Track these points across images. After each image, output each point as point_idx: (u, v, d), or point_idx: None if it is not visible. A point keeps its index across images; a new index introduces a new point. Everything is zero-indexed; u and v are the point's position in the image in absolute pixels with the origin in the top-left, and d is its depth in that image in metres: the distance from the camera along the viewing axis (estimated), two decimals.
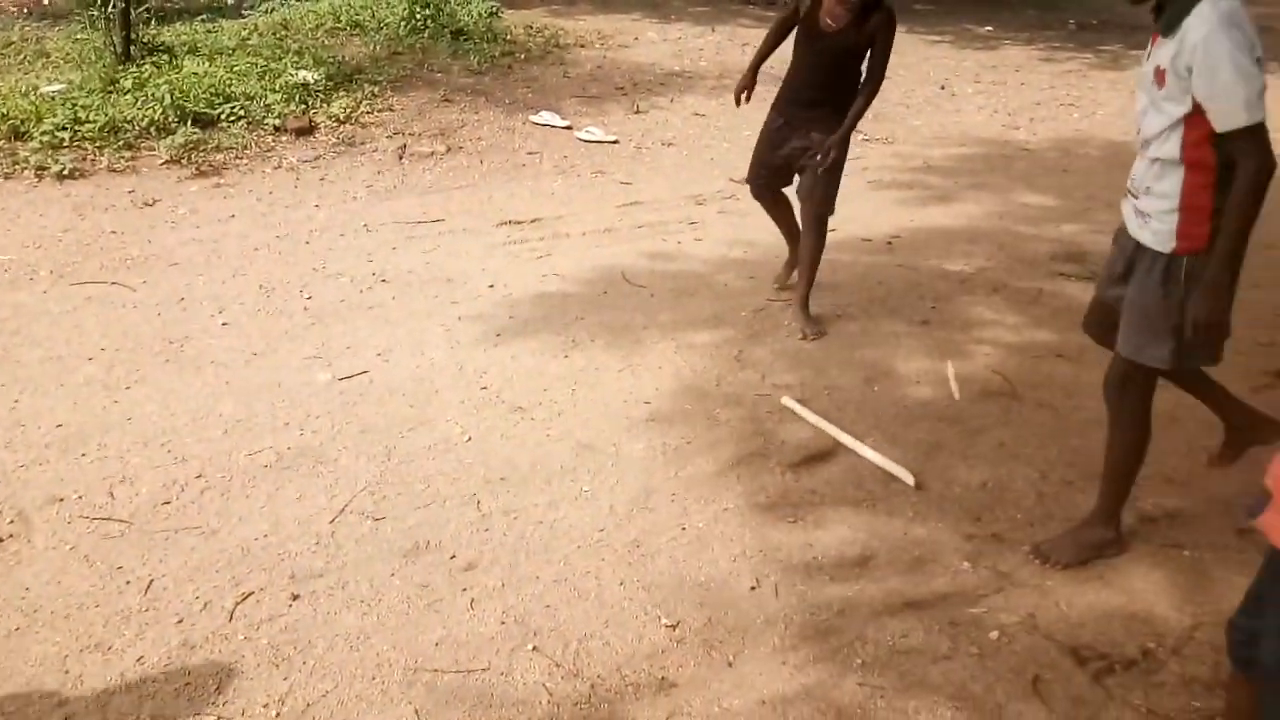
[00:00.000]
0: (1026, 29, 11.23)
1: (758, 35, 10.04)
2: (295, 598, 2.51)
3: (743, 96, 4.21)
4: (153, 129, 5.95)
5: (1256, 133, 2.19)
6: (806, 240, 4.07)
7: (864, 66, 3.87)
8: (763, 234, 5.08)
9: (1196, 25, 2.18)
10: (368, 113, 6.55)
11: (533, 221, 5.22)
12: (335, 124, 6.35)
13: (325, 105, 6.56)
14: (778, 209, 4.32)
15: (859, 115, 3.89)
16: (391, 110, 6.64)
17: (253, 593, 2.53)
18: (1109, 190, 5.88)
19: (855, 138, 7.11)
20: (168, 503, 2.88)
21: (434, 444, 3.19)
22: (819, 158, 3.88)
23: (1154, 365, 2.52)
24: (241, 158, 5.92)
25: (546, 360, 3.75)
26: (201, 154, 5.85)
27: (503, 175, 5.91)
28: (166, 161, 5.73)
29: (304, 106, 6.51)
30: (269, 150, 6.03)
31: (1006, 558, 2.70)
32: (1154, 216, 2.42)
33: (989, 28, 11.16)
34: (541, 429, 3.29)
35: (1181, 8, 2.22)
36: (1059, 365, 3.77)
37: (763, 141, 4.16)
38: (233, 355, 3.73)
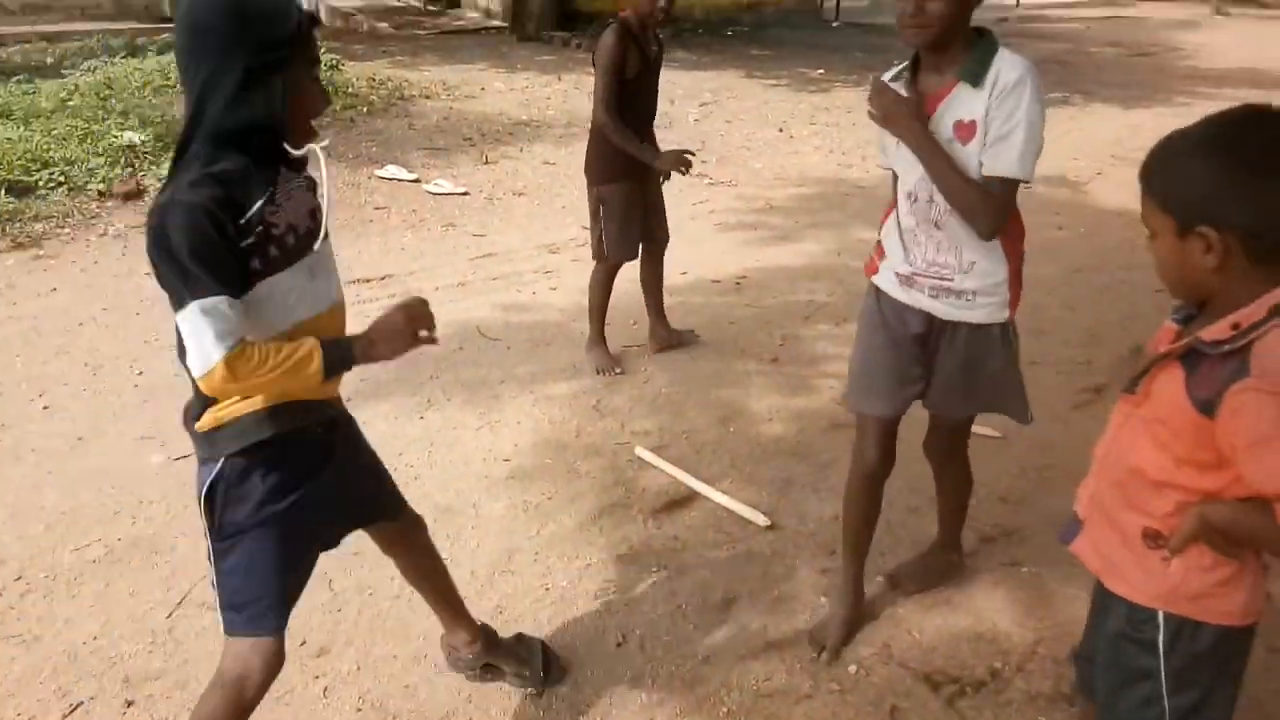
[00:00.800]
0: (854, 71, 11.87)
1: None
2: (129, 704, 2.34)
3: None
4: None
5: (1011, 192, 2.08)
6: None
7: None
8: (616, 280, 5.15)
9: (1009, 71, 2.04)
10: None
11: (382, 279, 5.11)
12: None
13: (154, 167, 6.26)
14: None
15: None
16: None
17: (82, 703, 2.35)
18: None
19: (700, 181, 7.38)
20: None
21: None
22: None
23: (1020, 420, 2.46)
24: (63, 226, 5.58)
25: (402, 423, 3.66)
26: (18, 225, 5.47)
27: (349, 232, 5.77)
28: None
29: (130, 169, 6.20)
30: (93, 217, 5.70)
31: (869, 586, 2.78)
32: (982, 292, 2.23)
33: (821, 70, 11.74)
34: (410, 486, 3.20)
35: (984, 53, 2.07)
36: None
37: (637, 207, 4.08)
38: (55, 441, 3.48)
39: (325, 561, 2.84)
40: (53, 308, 4.62)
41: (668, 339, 4.33)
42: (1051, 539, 3.04)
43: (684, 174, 3.95)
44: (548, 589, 2.77)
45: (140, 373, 4.01)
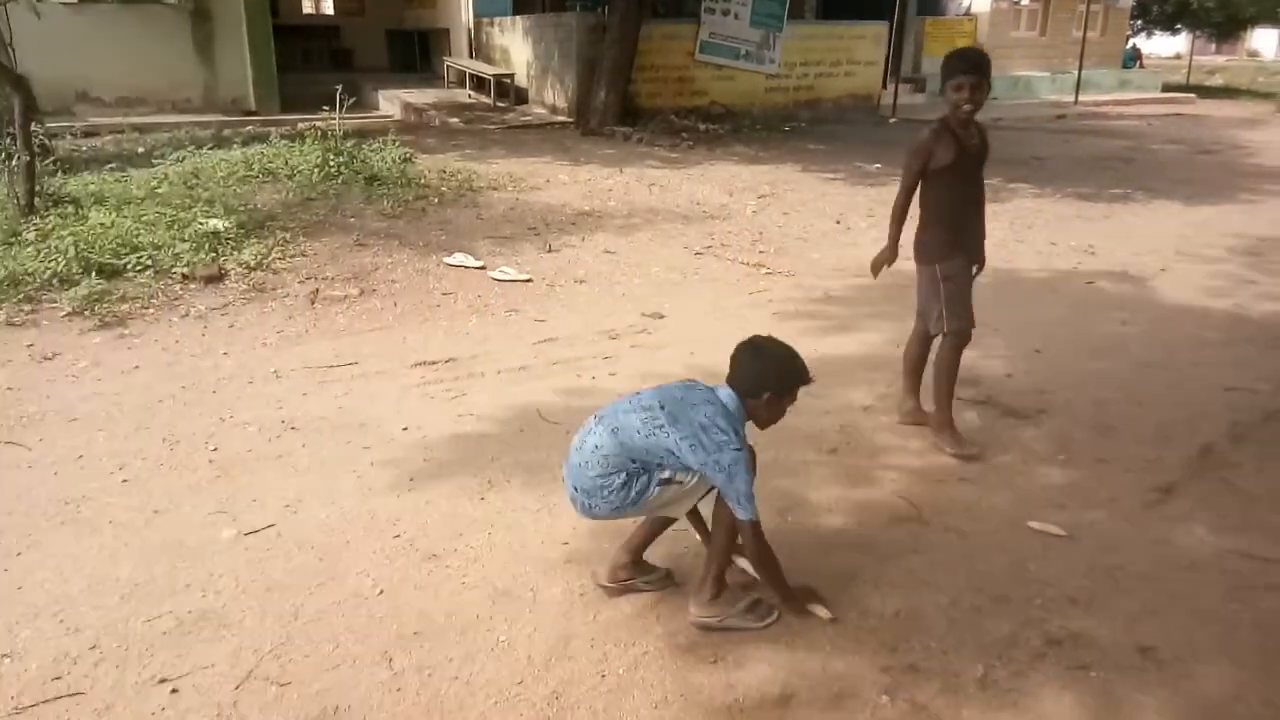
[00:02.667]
0: None
1: (663, 175, 10.59)
2: None
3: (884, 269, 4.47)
4: (55, 281, 5.87)
5: None
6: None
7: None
8: (674, 366, 5.22)
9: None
10: (280, 258, 6.59)
11: (447, 361, 5.25)
12: (246, 270, 6.36)
13: (236, 252, 6.57)
14: (926, 345, 4.60)
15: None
16: (304, 255, 6.69)
17: None
18: (995, 315, 6.25)
19: (758, 271, 7.49)
20: (58, 678, 2.71)
21: (344, 599, 3.10)
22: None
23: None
24: (148, 307, 5.85)
25: (462, 503, 3.72)
26: (106, 305, 5.77)
27: (417, 316, 5.96)
28: (69, 313, 5.63)
29: (214, 254, 6.51)
30: (176, 299, 5.98)
31: (923, 688, 2.72)
32: None
33: (877, 165, 11.91)
34: (457, 577, 3.24)
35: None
36: (961, 489, 3.91)
37: (967, 287, 4.32)
38: (132, 514, 3.60)
39: (385, 640, 2.90)
40: (134, 385, 4.83)
41: (914, 415, 4.54)
42: (1121, 641, 2.98)
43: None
44: (603, 676, 2.76)
45: (215, 449, 4.15)
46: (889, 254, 4.37)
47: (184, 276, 6.23)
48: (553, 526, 3.57)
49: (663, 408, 2.80)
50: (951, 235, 4.21)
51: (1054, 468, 4.14)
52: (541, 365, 5.23)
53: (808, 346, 5.73)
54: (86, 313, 5.65)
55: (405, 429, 4.39)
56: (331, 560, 3.33)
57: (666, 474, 2.83)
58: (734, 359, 2.92)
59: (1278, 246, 8.47)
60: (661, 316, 6.11)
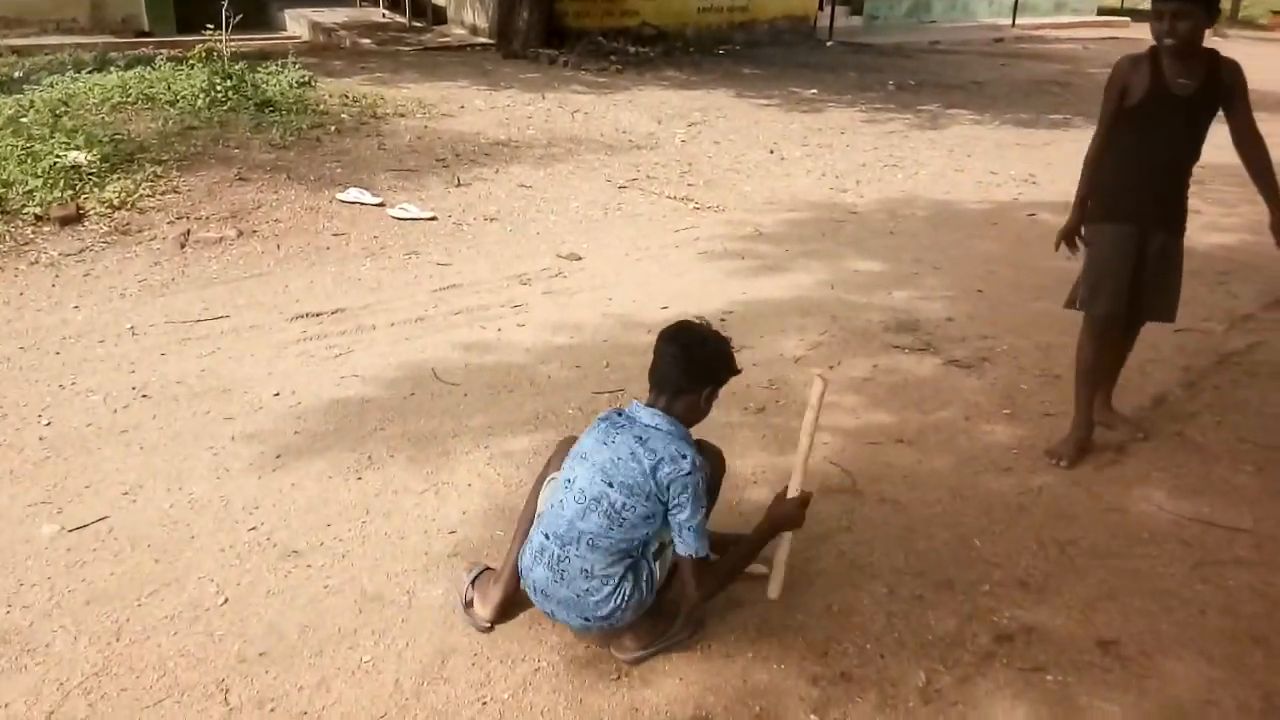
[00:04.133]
0: (849, 91, 11.52)
1: (588, 102, 9.92)
2: None
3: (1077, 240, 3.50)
4: None
5: None
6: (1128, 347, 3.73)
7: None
8: (591, 315, 4.74)
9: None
10: (148, 195, 5.86)
11: (333, 313, 4.68)
12: (109, 210, 5.64)
13: (98, 189, 5.83)
14: (1118, 345, 3.64)
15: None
16: (177, 192, 5.97)
17: None
18: (934, 252, 5.87)
19: (685, 206, 6.97)
20: None
21: (179, 612, 2.60)
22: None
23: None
24: None
25: (334, 486, 3.22)
26: None
27: (302, 260, 5.34)
28: None
29: (72, 192, 5.77)
30: (26, 244, 5.27)
31: (857, 702, 2.35)
32: None
33: (814, 90, 11.38)
34: (319, 579, 2.76)
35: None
36: (899, 452, 3.53)
37: (1117, 262, 3.34)
38: None
39: (223, 665, 2.31)
40: None
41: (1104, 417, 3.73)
42: (1079, 634, 2.65)
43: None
44: (485, 703, 2.33)
45: (48, 423, 3.57)
46: (1072, 218, 3.47)
47: (36, 218, 5.50)
48: (439, 511, 3.10)
49: (611, 485, 2.32)
50: (1119, 192, 3.32)
51: (999, 424, 3.79)
52: (441, 316, 4.70)
53: (735, 289, 5.32)
54: None
55: (277, 394, 3.84)
56: (169, 561, 2.81)
57: (655, 545, 2.41)
58: (663, 355, 2.41)
59: (1220, 174, 8.22)
60: (579, 258, 5.58)
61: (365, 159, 7.05)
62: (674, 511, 2.32)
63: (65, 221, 5.48)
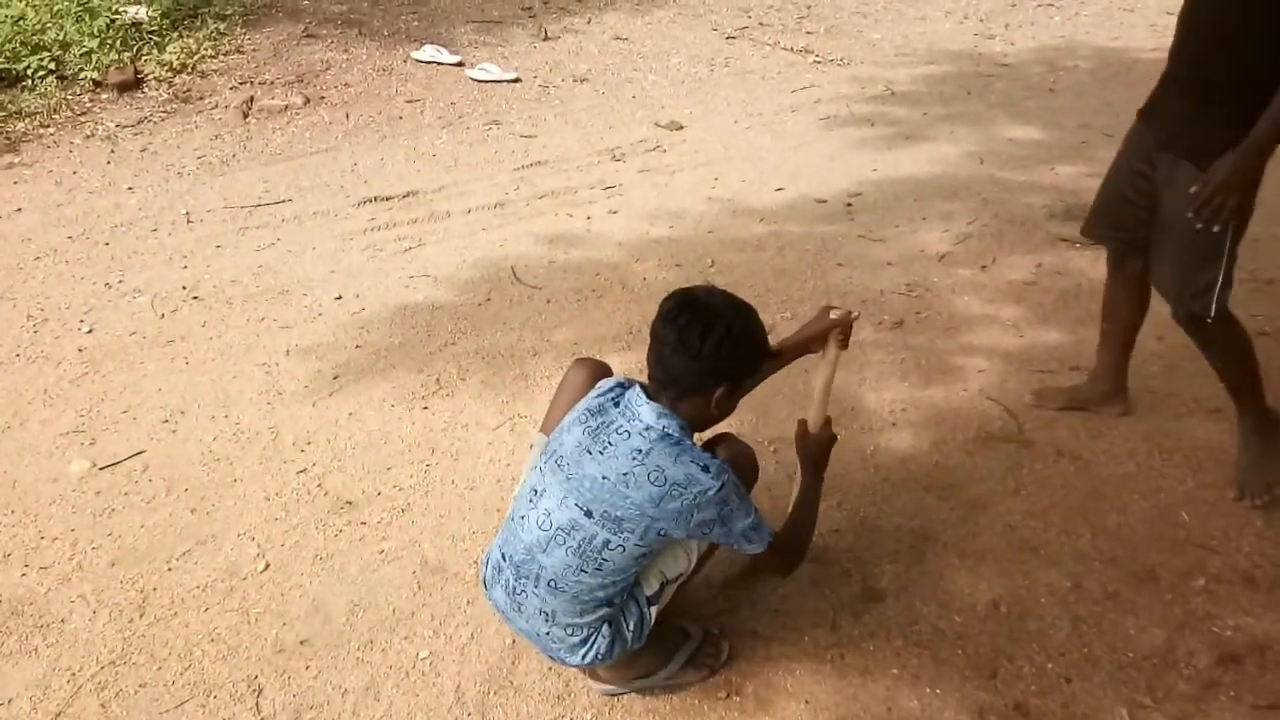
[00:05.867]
0: None
1: None
2: None
3: None
4: None
5: None
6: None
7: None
8: (693, 199, 4.09)
9: None
10: (210, 56, 5.36)
11: (405, 196, 4.16)
12: (169, 74, 5.17)
13: (157, 51, 5.34)
14: (1124, 289, 2.53)
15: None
16: (240, 53, 5.44)
17: None
18: (1104, 114, 4.93)
19: (804, 60, 6.08)
20: None
21: (213, 580, 2.22)
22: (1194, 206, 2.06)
23: None
24: (47, 125, 4.76)
25: (396, 417, 2.77)
26: None
27: (373, 133, 4.80)
28: None
29: (131, 53, 5.29)
30: (82, 114, 4.86)
31: None
32: None
33: None
34: (374, 540, 2.34)
35: None
36: (1070, 384, 2.84)
37: (1112, 167, 2.40)
38: None
39: (258, 655, 1.98)
40: (11, 234, 3.84)
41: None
42: None
43: None
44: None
45: (89, 330, 3.21)
46: None
47: (94, 84, 5.08)
48: (514, 453, 2.62)
49: (590, 515, 1.69)
50: (1164, 77, 2.22)
51: None
52: (523, 200, 4.12)
53: (864, 165, 4.55)
54: None
55: (339, 298, 3.39)
56: (207, 511, 2.43)
57: (653, 587, 1.80)
58: (660, 340, 1.71)
59: None
60: (680, 127, 4.87)
61: (444, 8, 6.34)
62: (716, 536, 1.72)
63: (123, 88, 5.05)
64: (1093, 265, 3.54)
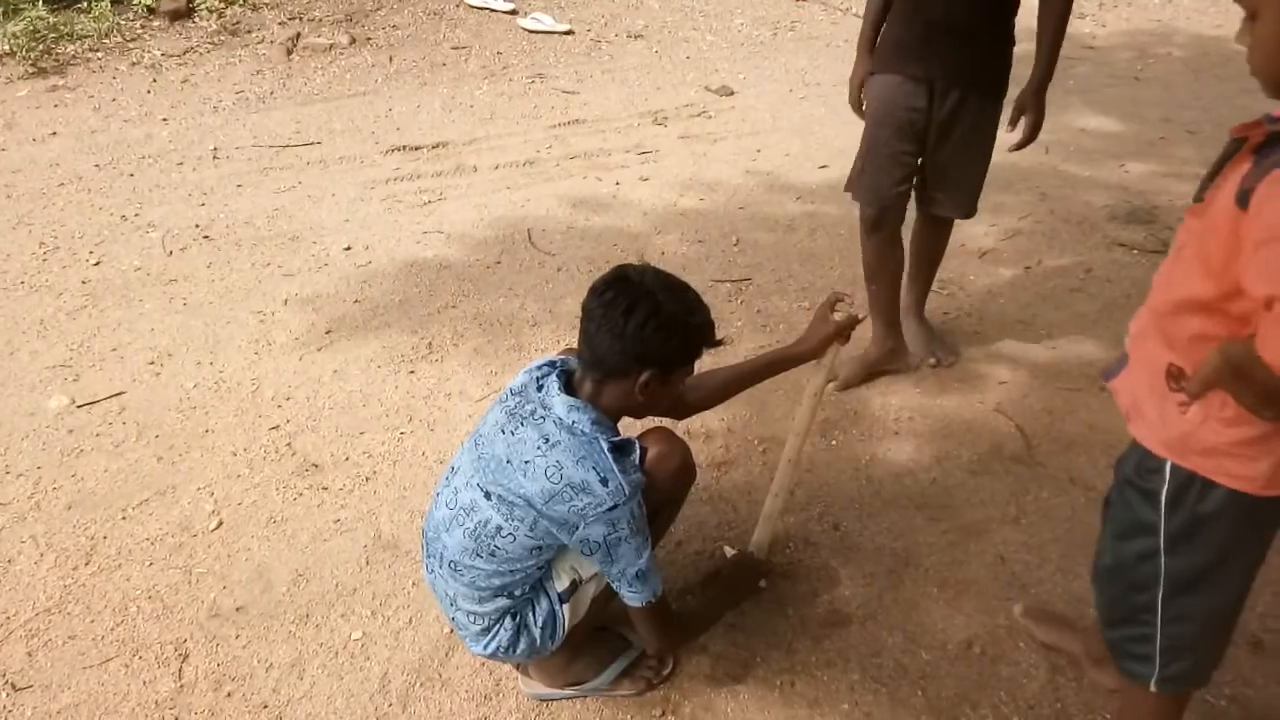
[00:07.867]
0: None
1: None
2: None
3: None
4: None
5: None
6: (935, 246, 2.76)
7: None
8: (731, 170, 3.91)
9: None
10: None
11: (434, 147, 4.05)
12: (221, 4, 5.12)
13: None
14: (896, 248, 2.64)
15: (1057, 44, 2.37)
16: None
17: None
18: (1191, 109, 4.56)
19: (843, 17, 5.76)
20: None
21: (163, 533, 2.18)
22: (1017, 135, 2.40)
23: None
24: (96, 49, 4.77)
25: (381, 379, 2.69)
26: (48, 44, 4.69)
27: (413, 78, 4.69)
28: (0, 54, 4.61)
29: None
30: (132, 40, 4.86)
31: None
32: None
33: None
34: (332, 508, 2.27)
35: None
36: (1098, 405, 2.62)
37: (888, 124, 2.46)
38: None
39: (190, 619, 1.94)
40: (40, 159, 3.85)
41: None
42: None
43: None
44: None
45: (96, 262, 3.20)
46: (858, 66, 2.66)
47: (148, 9, 5.07)
48: None
49: (489, 497, 1.56)
50: (901, 21, 2.39)
51: None
52: (554, 160, 3.98)
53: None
54: (20, 55, 4.60)
55: (348, 249, 3.32)
56: (173, 461, 2.39)
57: (564, 582, 1.66)
58: (587, 314, 1.56)
59: None
60: (730, 93, 4.66)
61: None
62: (599, 561, 1.55)
63: (175, 16, 5.03)
64: (1147, 273, 3.27)
